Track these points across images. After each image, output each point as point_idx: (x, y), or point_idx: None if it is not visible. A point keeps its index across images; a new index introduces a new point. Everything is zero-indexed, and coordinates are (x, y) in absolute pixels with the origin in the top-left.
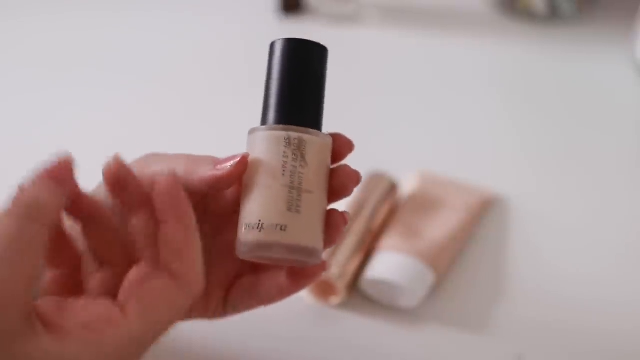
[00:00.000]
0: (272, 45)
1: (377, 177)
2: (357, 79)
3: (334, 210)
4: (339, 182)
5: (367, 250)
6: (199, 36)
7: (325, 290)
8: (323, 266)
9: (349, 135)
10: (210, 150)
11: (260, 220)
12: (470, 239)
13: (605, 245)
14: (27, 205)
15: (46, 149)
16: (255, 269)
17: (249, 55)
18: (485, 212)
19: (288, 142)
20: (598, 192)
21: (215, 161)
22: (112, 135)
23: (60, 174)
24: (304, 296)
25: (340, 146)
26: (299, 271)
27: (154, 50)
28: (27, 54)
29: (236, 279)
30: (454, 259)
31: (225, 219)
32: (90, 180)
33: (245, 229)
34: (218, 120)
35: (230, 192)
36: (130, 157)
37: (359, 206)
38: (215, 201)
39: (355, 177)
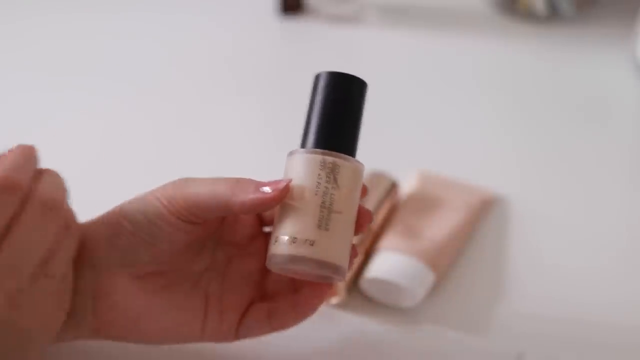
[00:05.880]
0: (317, 77)
1: (377, 177)
2: None
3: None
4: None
5: (367, 250)
6: (199, 36)
7: None
8: (331, 290)
9: None
10: (212, 150)
11: (291, 235)
12: (470, 239)
13: (606, 245)
14: None
15: (40, 154)
16: (268, 297)
17: (249, 55)
18: (485, 212)
19: (323, 164)
20: (598, 192)
21: (258, 184)
22: (113, 139)
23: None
24: None
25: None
26: (311, 292)
27: (152, 50)
28: (21, 59)
29: (250, 305)
30: (454, 259)
31: (238, 249)
32: (86, 182)
33: (276, 242)
34: (218, 120)
35: (245, 224)
36: (131, 159)
37: None
38: (231, 231)
39: (369, 217)
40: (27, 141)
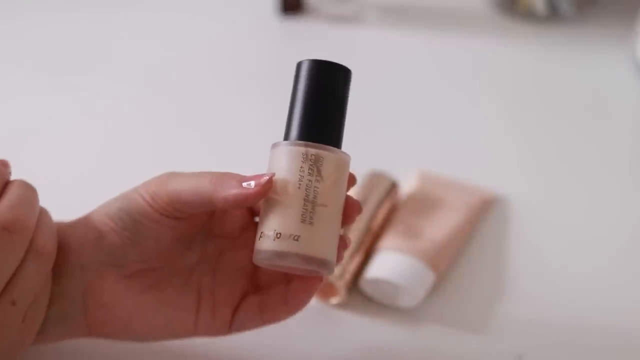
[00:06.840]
0: (299, 65)
1: (377, 177)
2: (356, 79)
3: None
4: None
5: (367, 250)
6: (199, 36)
7: (325, 290)
8: (320, 279)
9: (348, 134)
10: (212, 150)
11: (275, 230)
12: (470, 239)
13: (606, 245)
14: None
15: (40, 154)
16: (260, 289)
17: (249, 55)
18: (485, 212)
19: (305, 157)
20: (598, 192)
21: (240, 179)
22: (113, 139)
23: None
24: None
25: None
26: (301, 286)
27: (153, 50)
28: (21, 59)
29: (242, 299)
30: (454, 259)
31: (229, 241)
32: (87, 182)
33: (262, 237)
34: (218, 119)
35: (235, 215)
36: (131, 159)
37: None
38: (220, 223)
39: (357, 207)
40: (27, 141)
